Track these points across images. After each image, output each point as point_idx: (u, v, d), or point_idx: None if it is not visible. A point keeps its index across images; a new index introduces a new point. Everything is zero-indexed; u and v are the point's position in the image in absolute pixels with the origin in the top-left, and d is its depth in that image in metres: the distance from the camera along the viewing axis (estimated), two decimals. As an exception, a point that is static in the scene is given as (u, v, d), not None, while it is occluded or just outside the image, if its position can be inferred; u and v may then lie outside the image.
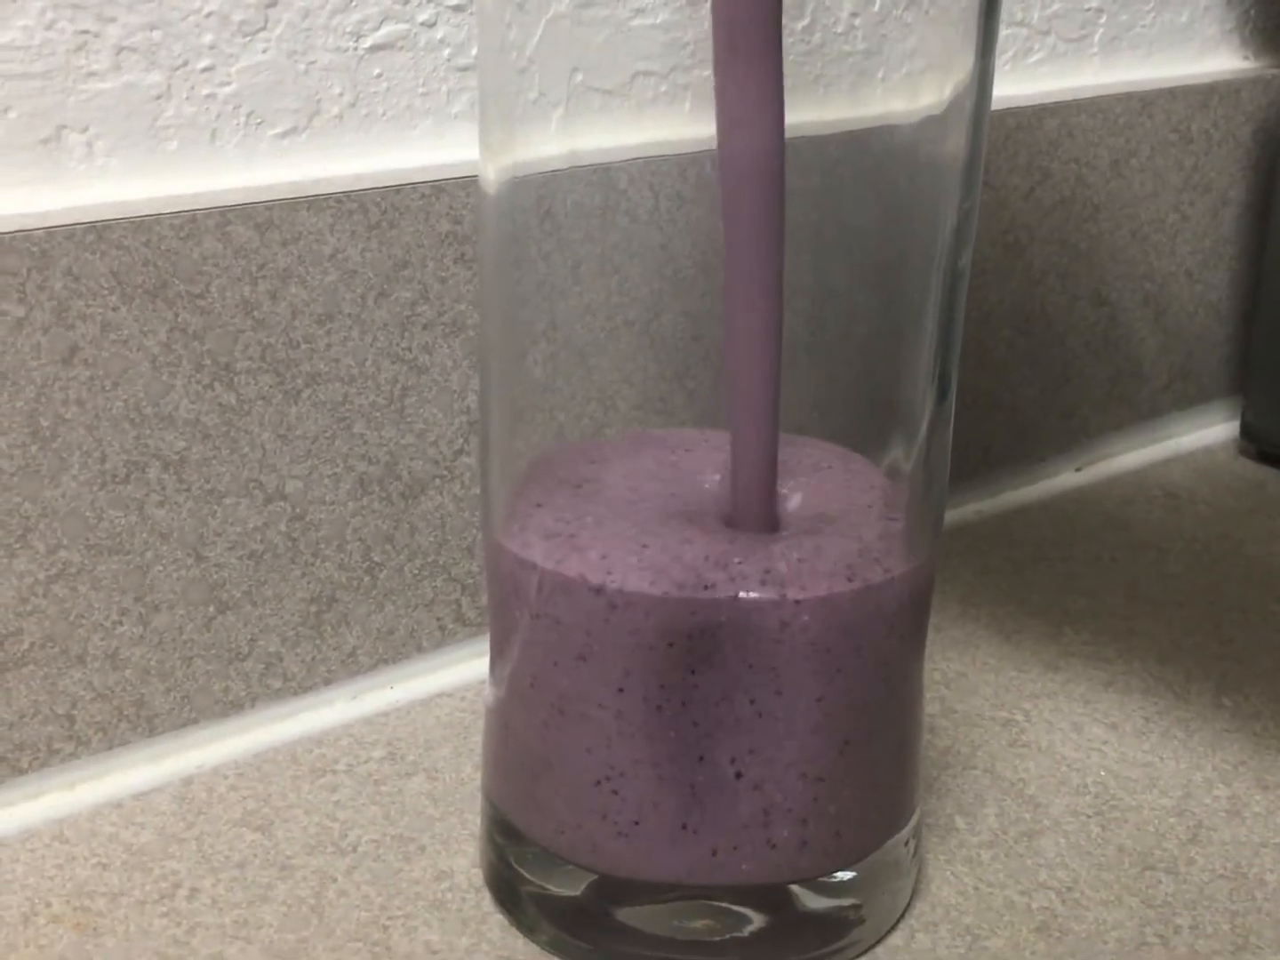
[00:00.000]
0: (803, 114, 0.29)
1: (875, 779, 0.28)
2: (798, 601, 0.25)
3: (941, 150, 0.27)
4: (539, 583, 0.26)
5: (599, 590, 0.26)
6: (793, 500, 0.28)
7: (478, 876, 0.30)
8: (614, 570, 0.26)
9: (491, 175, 0.28)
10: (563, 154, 0.29)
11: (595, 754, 0.27)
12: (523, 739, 0.28)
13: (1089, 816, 0.32)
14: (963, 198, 0.27)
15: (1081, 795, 0.33)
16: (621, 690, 0.26)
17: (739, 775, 0.27)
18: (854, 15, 0.30)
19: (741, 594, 0.25)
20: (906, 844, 0.29)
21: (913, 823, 0.29)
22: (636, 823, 0.27)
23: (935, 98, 0.26)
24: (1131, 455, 0.52)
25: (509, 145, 0.28)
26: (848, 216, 0.30)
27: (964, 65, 0.26)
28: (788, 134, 0.28)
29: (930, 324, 0.27)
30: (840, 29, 0.39)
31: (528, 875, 0.29)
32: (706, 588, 0.25)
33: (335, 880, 0.30)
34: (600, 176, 0.30)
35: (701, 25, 0.39)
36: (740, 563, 0.26)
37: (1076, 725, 0.36)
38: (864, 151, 0.28)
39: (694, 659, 0.26)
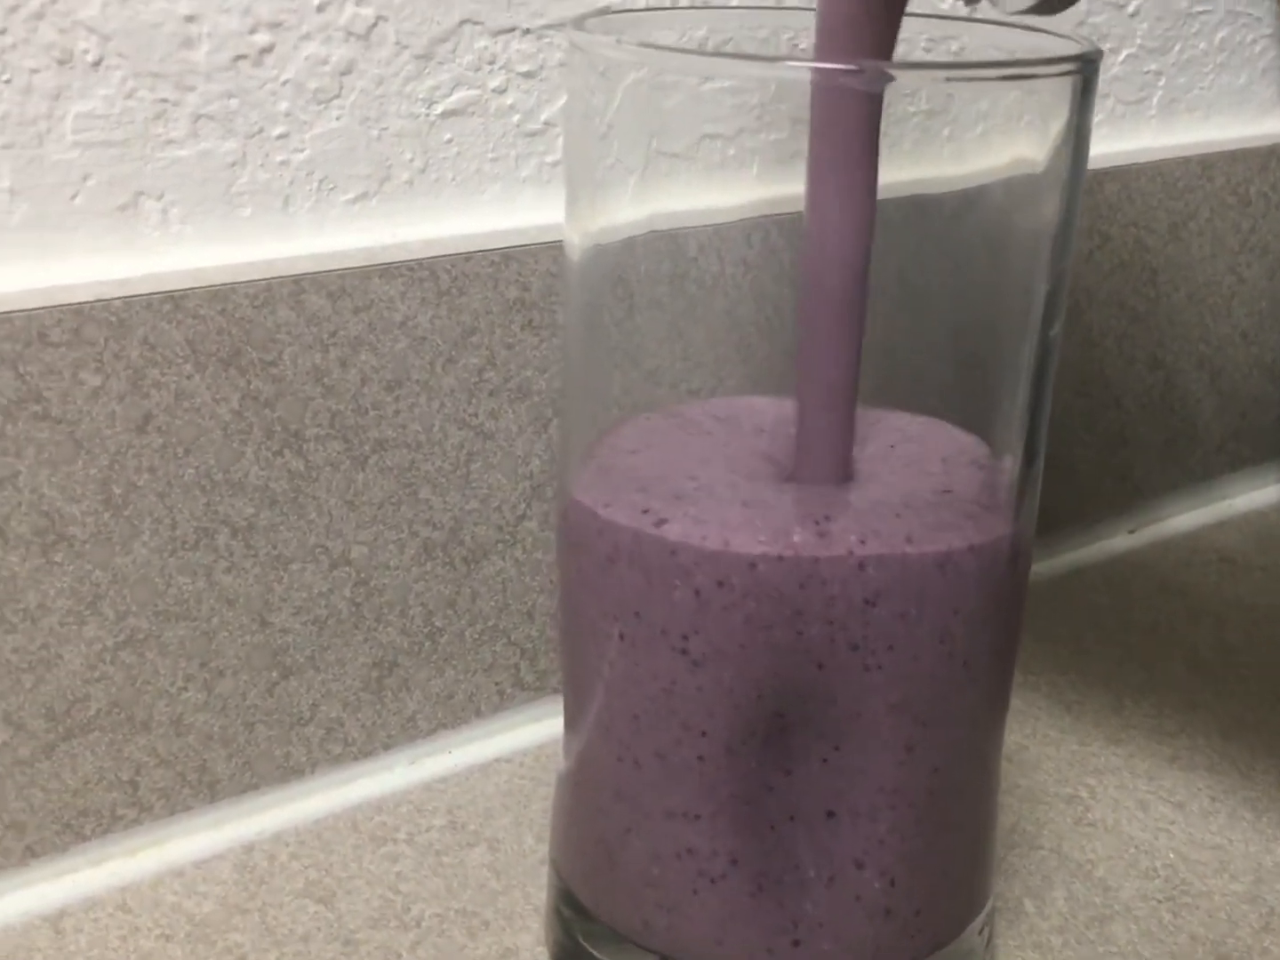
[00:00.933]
0: (887, 175, 0.28)
1: (954, 850, 0.28)
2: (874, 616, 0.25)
3: (1037, 213, 0.26)
4: (621, 632, 0.26)
5: (684, 651, 0.25)
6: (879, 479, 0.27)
7: (543, 954, 0.30)
8: (699, 629, 0.25)
9: (576, 241, 0.28)
10: (637, 220, 0.29)
11: (672, 807, 0.26)
12: (595, 800, 0.28)
13: (1159, 902, 0.32)
14: (1056, 261, 0.26)
15: (1151, 879, 0.33)
16: (704, 734, 0.26)
17: (830, 814, 0.26)
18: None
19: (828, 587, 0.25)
20: (981, 931, 0.29)
21: (987, 908, 0.29)
22: (713, 880, 0.27)
23: (1029, 158, 0.26)
24: (1186, 517, 0.52)
25: (590, 212, 0.28)
26: (937, 281, 0.29)
27: (1058, 124, 0.25)
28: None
29: (1021, 392, 0.27)
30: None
31: (595, 952, 0.28)
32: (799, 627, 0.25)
33: (400, 956, 0.30)
34: (670, 244, 0.30)
35: (769, 88, 0.39)
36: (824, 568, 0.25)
37: (1142, 803, 0.36)
38: (954, 214, 0.28)
39: (782, 702, 0.25)
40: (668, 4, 0.37)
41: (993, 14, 0.27)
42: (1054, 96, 0.24)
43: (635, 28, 0.30)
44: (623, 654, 0.26)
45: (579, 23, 0.26)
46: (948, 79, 0.23)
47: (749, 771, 0.26)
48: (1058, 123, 0.25)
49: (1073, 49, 0.25)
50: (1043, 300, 0.26)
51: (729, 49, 0.37)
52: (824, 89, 0.24)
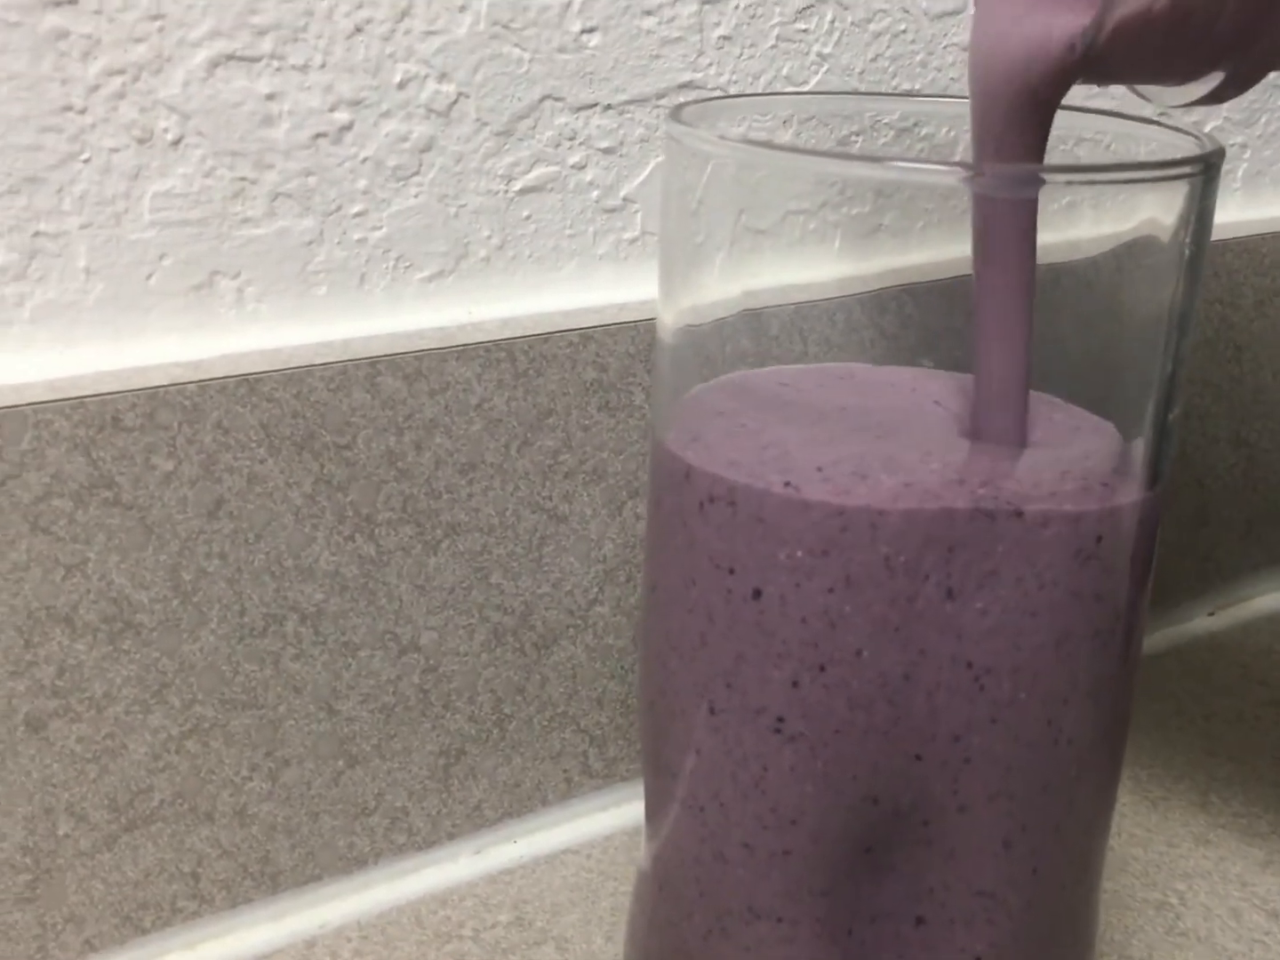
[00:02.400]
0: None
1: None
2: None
3: (1158, 293, 0.25)
4: (710, 706, 0.25)
5: (778, 732, 0.24)
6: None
7: (616, 1068, 0.29)
8: (795, 706, 0.24)
9: (668, 321, 0.27)
10: (725, 299, 0.28)
11: (756, 905, 0.25)
12: (677, 899, 0.27)
13: (1260, 1023, 0.31)
14: (1178, 342, 0.25)
15: (1249, 996, 0.31)
16: (794, 823, 0.25)
17: (920, 920, 0.25)
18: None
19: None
20: (1077, 1059, 0.27)
21: (1083, 1034, 0.28)
22: None
23: (1153, 235, 0.25)
24: (1267, 599, 0.50)
25: (681, 290, 0.27)
26: (1050, 358, 0.28)
27: (1180, 210, 0.24)
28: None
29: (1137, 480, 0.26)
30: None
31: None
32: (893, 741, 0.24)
33: (468, 1067, 0.29)
34: (752, 322, 0.30)
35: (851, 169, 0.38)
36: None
37: (1235, 911, 0.34)
38: (1072, 289, 0.27)
39: (876, 787, 0.24)
40: (743, 76, 0.36)
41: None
42: (1175, 191, 0.23)
43: (728, 113, 0.29)
44: (712, 731, 0.25)
45: (675, 113, 0.26)
46: (1068, 183, 0.22)
47: (836, 867, 0.25)
48: (1180, 208, 0.24)
49: (1194, 149, 0.24)
50: (1163, 383, 0.25)
51: (814, 129, 0.36)
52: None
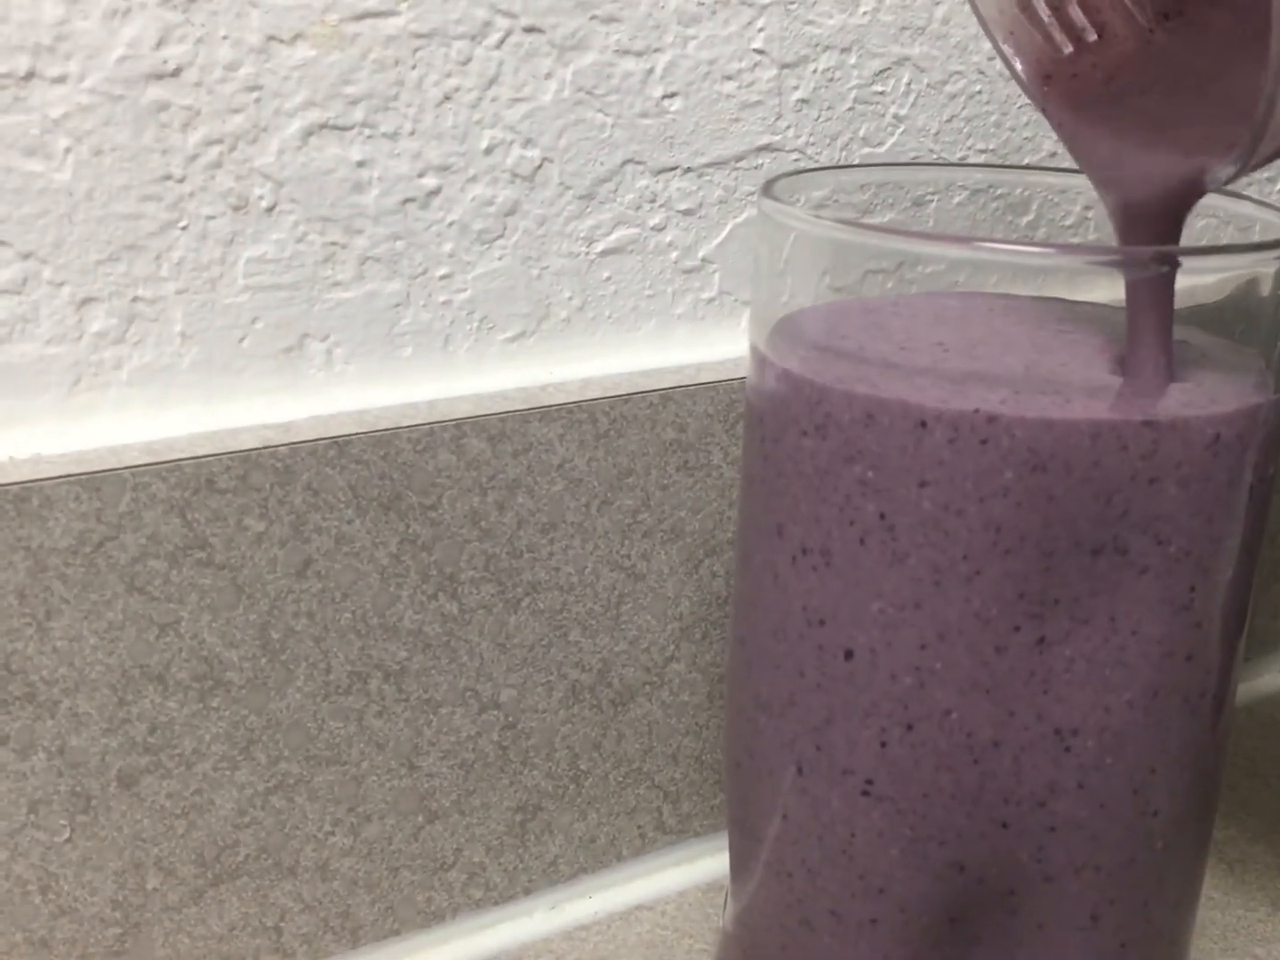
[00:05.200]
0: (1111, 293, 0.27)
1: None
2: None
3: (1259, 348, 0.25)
4: (799, 766, 0.25)
5: (866, 794, 0.25)
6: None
7: None
8: (883, 768, 0.24)
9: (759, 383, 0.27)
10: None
11: None
12: None
13: None
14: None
15: (1333, 1068, 0.31)
16: (882, 891, 0.25)
17: None
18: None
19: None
20: None
21: None
22: None
23: (1250, 292, 0.25)
24: (1339, 656, 0.50)
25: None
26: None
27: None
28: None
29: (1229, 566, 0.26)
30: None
31: None
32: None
33: None
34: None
35: (927, 222, 0.38)
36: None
37: (1316, 979, 0.34)
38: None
39: (964, 854, 0.24)
40: (815, 140, 0.37)
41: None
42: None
43: (815, 185, 0.29)
44: (800, 793, 0.25)
45: (767, 188, 0.26)
46: (1181, 264, 0.22)
47: (923, 937, 0.25)
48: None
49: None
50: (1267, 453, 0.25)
51: (891, 191, 0.36)
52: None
